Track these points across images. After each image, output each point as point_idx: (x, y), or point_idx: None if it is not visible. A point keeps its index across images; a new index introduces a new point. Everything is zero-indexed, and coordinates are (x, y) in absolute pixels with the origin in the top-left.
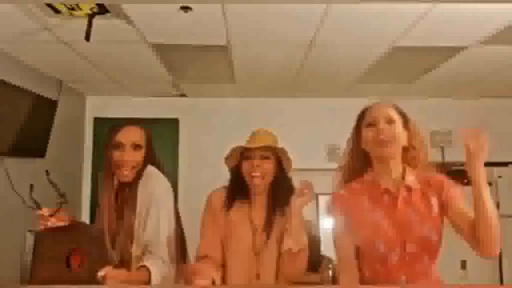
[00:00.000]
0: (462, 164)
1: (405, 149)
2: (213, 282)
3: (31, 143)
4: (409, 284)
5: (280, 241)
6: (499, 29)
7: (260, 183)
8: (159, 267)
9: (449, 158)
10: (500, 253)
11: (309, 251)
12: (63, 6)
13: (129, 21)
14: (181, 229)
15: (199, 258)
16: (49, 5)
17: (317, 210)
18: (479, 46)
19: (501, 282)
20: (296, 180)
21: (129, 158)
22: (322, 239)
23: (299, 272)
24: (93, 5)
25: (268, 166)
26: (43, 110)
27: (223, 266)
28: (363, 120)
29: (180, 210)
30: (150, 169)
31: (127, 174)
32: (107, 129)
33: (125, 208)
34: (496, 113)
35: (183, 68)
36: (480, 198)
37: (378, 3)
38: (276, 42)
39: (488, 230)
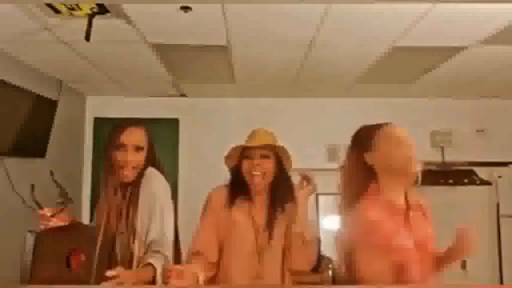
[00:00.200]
0: (462, 164)
1: None
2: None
3: (31, 143)
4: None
5: (282, 239)
6: (499, 29)
7: (260, 182)
8: (161, 265)
9: (449, 158)
10: (500, 253)
11: None
12: (63, 6)
13: (129, 21)
14: (176, 229)
15: (191, 254)
16: (49, 5)
17: (317, 210)
18: (479, 46)
19: (501, 282)
20: (296, 181)
21: (131, 158)
22: (322, 239)
23: (309, 262)
24: (93, 5)
25: (268, 165)
26: (43, 110)
27: (218, 264)
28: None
29: (180, 210)
30: (151, 170)
31: (128, 175)
32: (107, 129)
33: (126, 207)
34: (496, 113)
35: (183, 68)
36: None
37: (377, 3)
38: (276, 42)
39: None
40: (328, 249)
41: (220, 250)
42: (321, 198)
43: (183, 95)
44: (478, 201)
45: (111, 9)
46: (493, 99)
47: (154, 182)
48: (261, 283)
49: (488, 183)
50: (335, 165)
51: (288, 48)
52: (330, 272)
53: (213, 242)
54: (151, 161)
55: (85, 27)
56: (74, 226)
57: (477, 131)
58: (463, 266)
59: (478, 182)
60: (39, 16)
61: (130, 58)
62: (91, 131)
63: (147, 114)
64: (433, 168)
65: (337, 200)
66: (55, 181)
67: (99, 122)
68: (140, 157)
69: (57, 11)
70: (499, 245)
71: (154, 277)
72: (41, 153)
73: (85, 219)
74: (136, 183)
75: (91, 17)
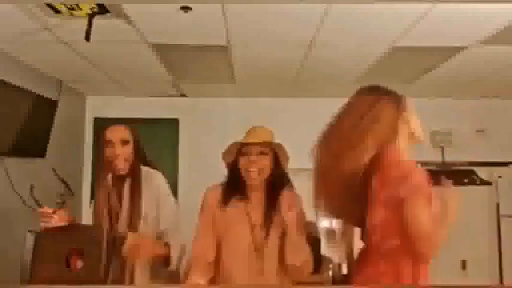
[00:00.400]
0: (462, 164)
1: None
2: None
3: (31, 143)
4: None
5: (280, 236)
6: (499, 29)
7: (256, 178)
8: (177, 247)
9: (449, 158)
10: (500, 253)
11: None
12: (63, 6)
13: (129, 21)
14: None
15: (192, 258)
16: (49, 5)
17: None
18: (479, 46)
19: (501, 282)
20: (297, 181)
21: (119, 152)
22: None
23: (305, 278)
24: (93, 5)
25: (265, 162)
26: (43, 110)
27: (218, 264)
28: None
29: (180, 210)
30: (146, 168)
31: (122, 167)
32: None
33: (129, 203)
34: (496, 113)
35: (183, 68)
36: None
37: (378, 3)
38: (276, 42)
39: None
40: (328, 249)
41: (218, 248)
42: None
43: (183, 95)
44: (478, 201)
45: (111, 9)
46: (493, 99)
47: (155, 176)
48: (262, 279)
49: (488, 183)
50: None
51: (288, 48)
52: (330, 272)
53: (210, 244)
54: (142, 157)
55: (85, 27)
56: (74, 226)
57: (477, 131)
58: (463, 266)
59: (478, 182)
60: (39, 16)
61: (130, 58)
62: (91, 131)
63: (147, 114)
64: (433, 168)
65: None
66: (57, 175)
67: (99, 122)
68: (128, 149)
69: (57, 11)
70: (499, 245)
71: (168, 258)
72: (41, 153)
73: (85, 219)
74: (132, 174)
75: (91, 17)
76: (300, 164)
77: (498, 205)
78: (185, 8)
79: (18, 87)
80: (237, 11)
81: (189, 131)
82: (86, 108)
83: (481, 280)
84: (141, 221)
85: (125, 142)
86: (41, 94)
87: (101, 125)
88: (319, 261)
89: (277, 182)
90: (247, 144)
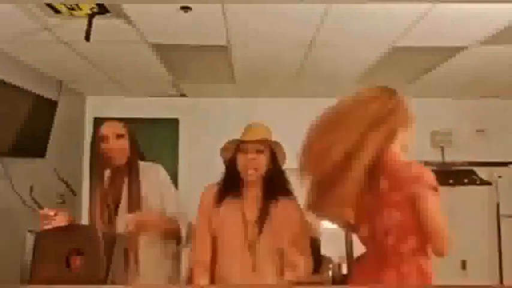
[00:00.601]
0: (462, 164)
1: None
2: None
3: (31, 143)
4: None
5: (275, 232)
6: (499, 29)
7: (253, 174)
8: (185, 226)
9: (449, 158)
10: (500, 253)
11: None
12: (63, 6)
13: (129, 21)
14: None
15: (192, 262)
16: (49, 5)
17: None
18: (479, 46)
19: (501, 282)
20: (297, 180)
21: (115, 146)
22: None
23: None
24: (93, 5)
25: (263, 159)
26: (43, 110)
27: (214, 262)
28: None
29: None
30: (144, 162)
31: (120, 157)
32: None
33: (126, 189)
34: (496, 113)
35: (183, 68)
36: None
37: (378, 3)
38: (276, 42)
39: None
40: (328, 249)
41: (214, 246)
42: None
43: (183, 95)
44: (478, 201)
45: (111, 9)
46: (493, 99)
47: (156, 167)
48: (254, 275)
49: (488, 183)
50: None
51: (287, 48)
52: (330, 272)
53: (208, 246)
54: (138, 151)
55: (85, 27)
56: (74, 226)
57: (477, 131)
58: (463, 266)
59: (478, 182)
60: (39, 16)
61: (130, 58)
62: (91, 131)
63: (147, 114)
64: (433, 168)
65: None
66: (58, 176)
67: (99, 122)
68: (123, 142)
69: (57, 11)
70: (499, 245)
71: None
72: (41, 153)
73: (85, 219)
74: (131, 169)
75: (91, 17)
76: None
77: (498, 205)
78: (185, 8)
79: (18, 87)
80: (237, 11)
81: (189, 131)
82: (86, 108)
83: (481, 280)
84: (144, 210)
85: (119, 136)
86: (41, 94)
87: (101, 125)
88: (319, 261)
89: (274, 178)
90: (245, 142)
